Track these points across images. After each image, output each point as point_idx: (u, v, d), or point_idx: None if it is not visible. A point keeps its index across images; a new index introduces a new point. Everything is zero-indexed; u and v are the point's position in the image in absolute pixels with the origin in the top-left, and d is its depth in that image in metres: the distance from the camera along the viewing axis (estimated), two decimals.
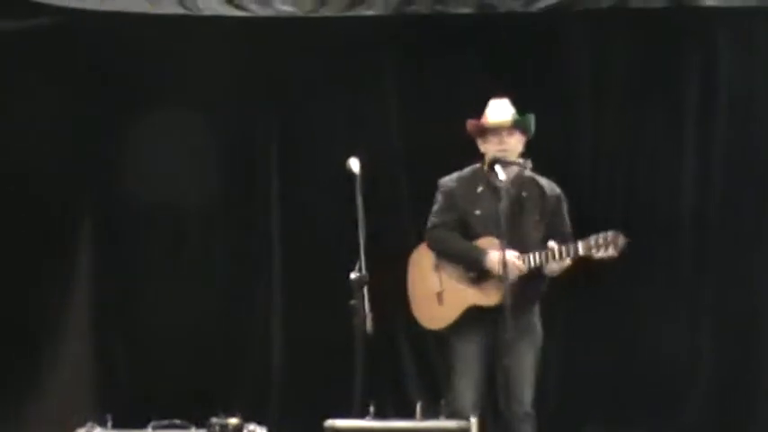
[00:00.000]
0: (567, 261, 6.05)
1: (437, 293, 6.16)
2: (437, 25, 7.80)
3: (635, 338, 7.83)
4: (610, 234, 6.01)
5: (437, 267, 6.18)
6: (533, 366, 6.15)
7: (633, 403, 7.86)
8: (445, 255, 6.21)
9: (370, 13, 7.70)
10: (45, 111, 7.68)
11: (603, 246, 5.98)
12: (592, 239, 6.00)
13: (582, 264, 6.11)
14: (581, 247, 6.01)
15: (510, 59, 7.84)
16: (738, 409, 7.88)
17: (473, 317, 6.08)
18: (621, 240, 5.99)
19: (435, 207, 6.31)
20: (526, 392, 6.11)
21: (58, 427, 6.19)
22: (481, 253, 6.08)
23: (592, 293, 7.74)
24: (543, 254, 6.03)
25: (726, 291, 7.92)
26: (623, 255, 6.03)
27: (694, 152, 8.00)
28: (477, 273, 6.09)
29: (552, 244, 6.04)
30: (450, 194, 6.27)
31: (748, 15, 7.89)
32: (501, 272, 5.88)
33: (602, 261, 6.03)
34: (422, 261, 6.26)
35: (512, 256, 5.96)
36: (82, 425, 5.73)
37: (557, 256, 6.01)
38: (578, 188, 7.33)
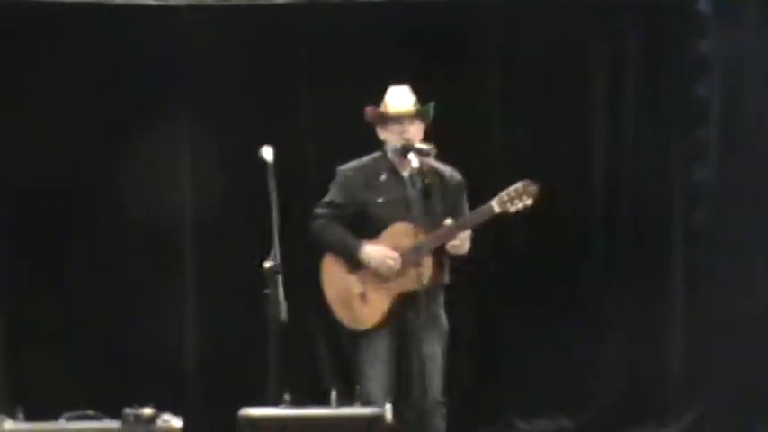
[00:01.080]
0: (468, 233, 6.06)
1: (359, 294, 6.17)
2: (351, 13, 7.81)
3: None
4: (520, 185, 6.05)
5: (353, 268, 6.18)
6: (440, 357, 6.18)
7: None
8: (323, 246, 6.24)
9: (282, 0, 7.68)
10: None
11: (517, 197, 6.03)
12: (504, 194, 6.04)
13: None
14: (495, 205, 6.04)
15: (422, 48, 7.88)
16: (644, 399, 8.03)
17: (396, 308, 6.11)
18: (533, 188, 6.05)
19: (325, 198, 6.31)
20: (435, 381, 6.13)
21: None
22: (356, 245, 6.11)
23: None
24: (439, 234, 6.03)
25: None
26: (538, 202, 6.07)
27: (603, 142, 8.09)
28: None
29: (449, 221, 6.06)
30: (345, 183, 6.27)
31: (656, 2, 8.01)
32: (374, 266, 5.99)
33: (518, 213, 6.06)
34: (335, 264, 6.24)
35: (385, 250, 6.02)
36: None
37: (461, 226, 6.03)
38: (492, 176, 7.41)
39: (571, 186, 8.05)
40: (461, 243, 6.12)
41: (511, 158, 7.97)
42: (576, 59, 8.10)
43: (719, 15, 8.09)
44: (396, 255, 6.07)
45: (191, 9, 7.68)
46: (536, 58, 8.08)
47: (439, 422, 6.20)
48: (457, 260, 6.28)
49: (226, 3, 7.69)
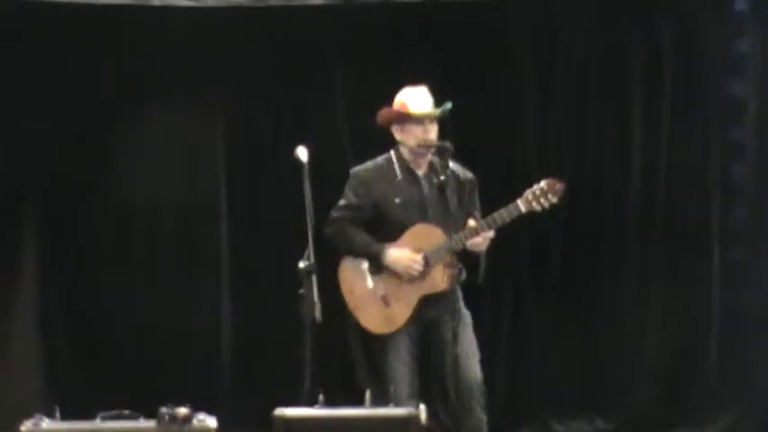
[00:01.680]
0: (491, 233, 6.03)
1: (382, 297, 6.15)
2: (383, 14, 7.81)
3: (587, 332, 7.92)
4: (544, 183, 6.02)
5: (373, 271, 6.16)
6: (476, 348, 6.17)
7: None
8: (342, 250, 6.21)
9: (316, 2, 7.70)
10: None
11: (542, 195, 6.00)
12: (529, 194, 6.00)
13: None
14: (522, 204, 6.00)
15: (453, 47, 7.87)
16: (684, 397, 7.99)
17: (420, 310, 6.09)
18: (559, 186, 6.01)
19: (341, 201, 6.27)
20: (478, 374, 6.12)
21: (6, 419, 6.14)
22: (380, 249, 6.10)
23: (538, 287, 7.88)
24: (464, 234, 6.01)
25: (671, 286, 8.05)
26: (569, 198, 6.05)
27: (640, 142, 8.06)
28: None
29: (472, 222, 6.03)
30: (361, 185, 6.25)
31: (694, 2, 7.97)
32: (400, 270, 5.98)
33: (545, 211, 6.03)
34: (354, 268, 6.22)
35: (411, 254, 6.00)
36: (29, 417, 5.68)
37: (485, 226, 6.00)
38: (522, 172, 7.41)
39: (608, 187, 8.03)
40: (483, 241, 6.08)
41: (546, 159, 7.94)
42: (613, 59, 8.07)
43: (756, 14, 8.04)
44: (420, 259, 6.04)
45: (228, 9, 7.70)
46: (572, 59, 8.06)
47: (479, 415, 6.16)
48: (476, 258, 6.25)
49: (260, 4, 7.70)
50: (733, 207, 8.13)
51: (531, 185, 6.03)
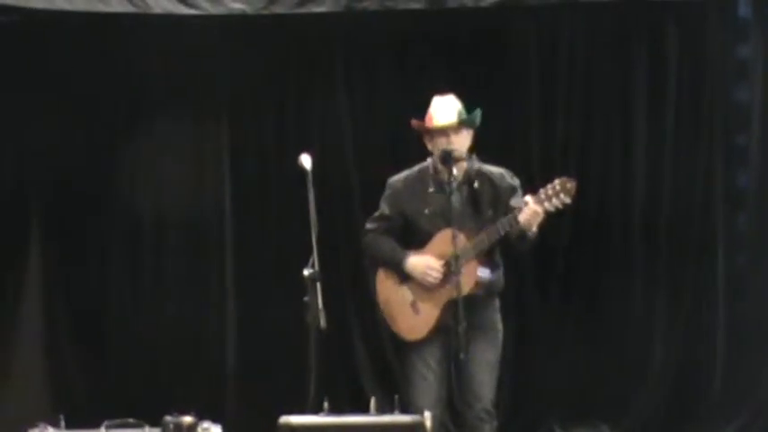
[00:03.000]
0: (540, 213, 5.85)
1: (410, 303, 6.12)
2: (387, 21, 7.82)
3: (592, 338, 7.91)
4: (557, 182, 5.91)
5: (404, 279, 6.13)
6: (493, 364, 6.10)
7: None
8: (375, 259, 6.21)
9: (320, 9, 7.70)
10: None
11: (554, 195, 5.89)
12: (541, 193, 5.90)
13: None
14: (533, 203, 5.90)
15: (460, 54, 7.88)
16: (691, 405, 7.98)
17: (447, 316, 6.08)
18: (571, 185, 5.90)
19: (376, 213, 6.28)
20: (485, 389, 6.06)
21: (11, 428, 6.15)
22: (402, 256, 6.08)
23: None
24: (477, 240, 5.95)
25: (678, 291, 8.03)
26: (574, 203, 5.98)
27: (644, 147, 8.06)
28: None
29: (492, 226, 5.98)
30: (394, 195, 6.23)
31: (696, 7, 7.96)
32: (418, 277, 5.97)
33: (557, 211, 5.94)
34: (389, 276, 6.18)
35: (429, 260, 6.00)
36: (34, 425, 5.69)
37: (494, 231, 5.93)
38: (526, 182, 7.39)
39: (612, 191, 8.02)
40: (529, 220, 5.85)
41: (550, 163, 7.94)
42: (617, 65, 8.06)
43: (760, 20, 8.03)
44: (438, 265, 6.03)
45: (231, 17, 7.70)
46: (576, 65, 8.05)
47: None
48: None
49: (263, 12, 7.70)
50: (737, 213, 8.12)
51: (536, 191, 5.99)
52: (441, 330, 6.04)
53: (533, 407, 8.01)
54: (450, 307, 5.98)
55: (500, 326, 6.19)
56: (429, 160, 6.21)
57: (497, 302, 6.20)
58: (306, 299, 5.69)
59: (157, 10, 7.60)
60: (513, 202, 6.07)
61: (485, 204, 6.08)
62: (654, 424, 7.94)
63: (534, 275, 7.99)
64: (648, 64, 8.03)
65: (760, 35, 8.05)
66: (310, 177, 5.90)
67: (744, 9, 8.09)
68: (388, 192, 6.27)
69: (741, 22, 8.10)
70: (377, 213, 6.27)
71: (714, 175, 8.05)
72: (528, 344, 7.99)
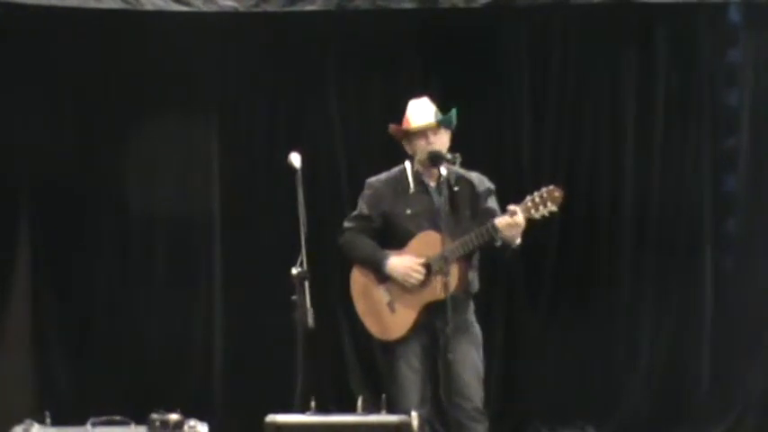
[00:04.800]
0: (521, 225, 5.89)
1: (387, 303, 6.13)
2: (379, 20, 7.82)
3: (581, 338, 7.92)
4: (544, 190, 5.94)
5: (381, 279, 6.14)
6: (477, 364, 6.13)
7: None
8: (352, 258, 6.22)
9: (311, 8, 7.69)
10: None
11: (541, 203, 5.92)
12: (528, 200, 5.93)
13: None
14: (521, 213, 5.92)
15: (451, 55, 7.88)
16: (678, 406, 7.99)
17: (424, 317, 6.09)
18: (557, 193, 5.93)
19: (354, 211, 6.29)
20: (473, 389, 6.08)
21: None
22: (382, 257, 6.09)
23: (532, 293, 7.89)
24: (462, 241, 5.96)
25: (665, 293, 8.04)
26: (563, 207, 5.99)
27: (633, 150, 8.07)
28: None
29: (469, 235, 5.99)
30: (373, 196, 6.24)
31: (687, 11, 7.97)
32: (399, 278, 5.98)
33: (544, 219, 5.97)
34: (364, 275, 6.20)
35: (410, 261, 6.00)
36: (20, 422, 5.68)
37: (484, 235, 5.94)
38: (516, 183, 7.40)
39: (601, 194, 8.03)
40: (511, 231, 5.91)
41: (540, 166, 7.96)
42: (607, 67, 8.08)
43: (750, 24, 8.06)
44: (420, 267, 6.04)
45: (220, 16, 7.69)
46: (566, 67, 8.06)
47: None
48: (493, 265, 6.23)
49: (255, 9, 7.69)
50: (725, 217, 8.14)
51: (523, 198, 5.99)
52: (420, 331, 6.06)
53: (519, 409, 8.01)
54: (429, 308, 6.01)
55: (478, 327, 6.22)
56: (407, 163, 6.23)
57: (473, 305, 6.23)
58: (294, 298, 5.70)
59: (149, 6, 7.57)
60: (490, 203, 6.15)
61: (463, 206, 6.11)
62: (640, 426, 7.95)
63: (523, 279, 8.00)
64: (638, 67, 8.06)
65: (749, 39, 8.08)
66: (300, 176, 5.91)
67: (734, 13, 8.11)
68: (367, 192, 6.29)
69: (731, 27, 8.12)
70: (355, 213, 6.29)
71: (702, 179, 8.08)
72: (514, 346, 8.00)
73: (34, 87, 7.83)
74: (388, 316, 6.13)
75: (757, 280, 7.96)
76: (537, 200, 5.93)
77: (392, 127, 6.23)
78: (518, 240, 5.99)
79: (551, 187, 5.96)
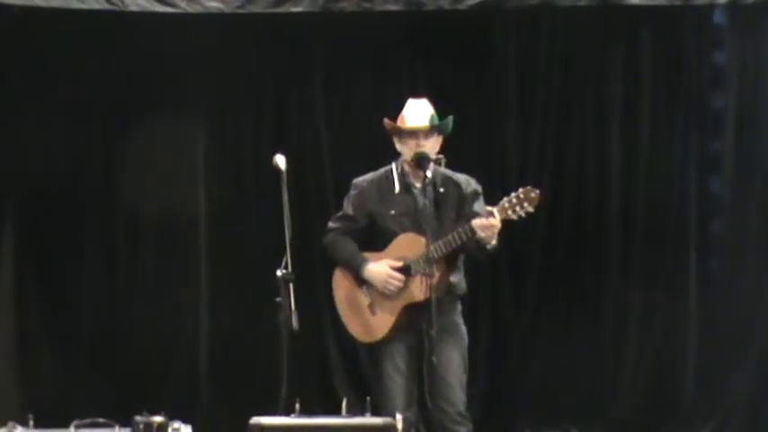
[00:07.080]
0: (497, 226, 5.89)
1: (368, 306, 6.13)
2: (364, 22, 7.81)
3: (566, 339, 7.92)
4: (521, 191, 5.95)
5: (362, 281, 6.14)
6: (461, 367, 6.13)
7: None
8: (334, 260, 6.23)
9: (297, 9, 7.69)
10: None
11: (518, 204, 5.92)
12: (505, 201, 5.93)
13: None
14: (497, 214, 5.93)
15: (437, 57, 7.88)
16: (664, 407, 7.99)
17: (404, 319, 6.08)
18: (534, 194, 5.93)
19: (340, 212, 6.29)
20: (456, 392, 6.09)
21: None
22: (361, 263, 6.09)
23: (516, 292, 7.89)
24: (443, 243, 5.94)
25: (653, 292, 8.04)
26: (540, 208, 6.01)
27: (619, 153, 8.08)
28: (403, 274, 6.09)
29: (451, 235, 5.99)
30: (361, 196, 6.24)
31: (673, 14, 7.98)
32: (378, 286, 5.99)
33: (521, 220, 5.96)
34: (346, 277, 6.20)
35: (388, 269, 6.01)
36: (3, 425, 5.65)
37: (462, 236, 5.93)
38: (503, 183, 7.41)
39: (587, 196, 8.03)
40: (487, 232, 5.91)
41: (526, 167, 7.97)
42: (594, 69, 8.09)
43: (735, 27, 8.07)
44: (397, 274, 6.03)
45: (208, 17, 7.68)
46: (553, 68, 8.07)
47: None
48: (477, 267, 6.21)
49: (242, 11, 7.68)
50: (711, 218, 8.15)
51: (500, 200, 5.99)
52: (405, 332, 6.05)
53: (505, 410, 8.01)
54: (413, 309, 6.00)
55: (464, 329, 6.22)
56: (393, 164, 6.23)
57: (460, 306, 6.23)
58: (279, 299, 5.70)
59: (133, 8, 7.57)
60: (477, 206, 6.13)
61: (448, 208, 6.10)
62: (626, 427, 7.95)
63: (509, 281, 8.01)
64: (624, 69, 8.06)
65: (735, 42, 8.09)
66: (284, 178, 5.91)
67: (720, 16, 8.12)
68: (353, 192, 6.29)
69: (717, 29, 8.13)
70: (340, 213, 6.29)
71: (688, 181, 8.09)
72: (501, 349, 8.01)
73: (20, 89, 7.80)
74: (368, 318, 6.13)
75: (742, 281, 7.99)
76: (513, 201, 5.94)
77: (386, 121, 6.22)
78: (494, 241, 5.97)
79: (528, 188, 5.97)
